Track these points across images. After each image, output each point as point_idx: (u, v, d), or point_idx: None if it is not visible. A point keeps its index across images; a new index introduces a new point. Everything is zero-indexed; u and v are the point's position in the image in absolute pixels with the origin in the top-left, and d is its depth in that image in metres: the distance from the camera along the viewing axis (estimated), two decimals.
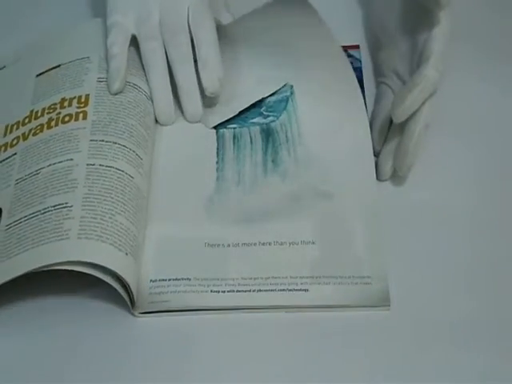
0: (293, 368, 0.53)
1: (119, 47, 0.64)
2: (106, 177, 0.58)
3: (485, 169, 0.63)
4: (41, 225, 0.55)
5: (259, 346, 0.54)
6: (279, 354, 0.54)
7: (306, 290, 0.56)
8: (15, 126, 0.63)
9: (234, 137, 0.64)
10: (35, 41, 0.71)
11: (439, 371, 0.53)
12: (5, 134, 0.63)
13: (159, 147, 0.64)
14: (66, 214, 0.55)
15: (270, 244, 0.58)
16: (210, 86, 0.63)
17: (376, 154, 0.63)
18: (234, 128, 0.64)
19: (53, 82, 0.65)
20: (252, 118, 0.65)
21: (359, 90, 0.66)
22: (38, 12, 0.77)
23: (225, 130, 0.64)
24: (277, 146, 0.63)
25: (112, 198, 0.57)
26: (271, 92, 0.66)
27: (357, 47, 0.71)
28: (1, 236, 0.56)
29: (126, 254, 0.55)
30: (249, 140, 0.63)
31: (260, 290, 0.56)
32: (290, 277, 0.56)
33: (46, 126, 0.62)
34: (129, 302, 0.55)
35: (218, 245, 0.58)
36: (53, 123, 0.62)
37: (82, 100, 0.63)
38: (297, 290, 0.56)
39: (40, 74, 0.66)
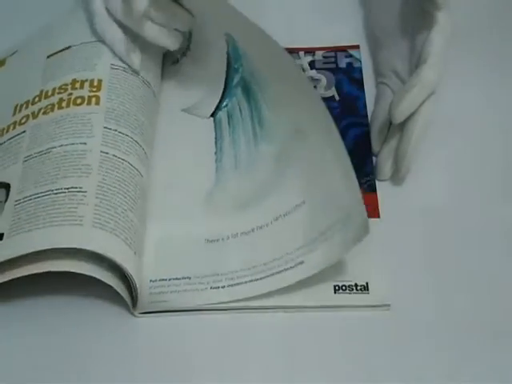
0: (293, 368, 0.53)
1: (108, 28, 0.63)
2: (119, 169, 0.57)
3: (484, 169, 0.63)
4: (53, 205, 0.55)
5: (259, 345, 0.54)
6: (279, 354, 0.54)
7: (301, 263, 0.55)
8: (24, 106, 0.62)
9: (229, 116, 0.64)
10: (47, 23, 0.70)
11: (439, 371, 0.53)
12: (14, 113, 0.62)
13: (158, 144, 0.64)
14: (81, 200, 0.55)
15: (266, 225, 0.58)
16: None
17: (375, 154, 0.63)
18: (227, 105, 0.65)
19: (63, 63, 0.64)
20: (231, 81, 0.65)
21: None
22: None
23: (220, 112, 0.65)
24: (257, 101, 0.63)
25: (124, 192, 0.57)
26: None
27: (357, 47, 0.71)
28: (10, 211, 0.56)
29: (135, 253, 0.55)
30: (238, 111, 0.63)
31: (259, 279, 0.56)
32: (287, 253, 0.56)
33: (56, 106, 0.61)
34: (130, 303, 0.55)
35: (218, 240, 0.59)
36: (64, 104, 0.61)
37: (95, 84, 0.62)
38: (293, 266, 0.55)
39: (51, 56, 0.65)
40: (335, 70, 0.69)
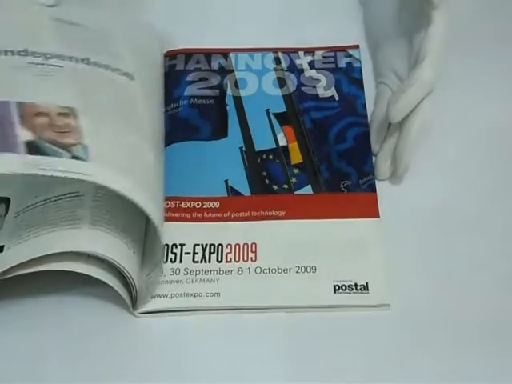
0: (293, 368, 0.53)
1: None
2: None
3: (484, 169, 0.63)
4: (50, 211, 0.55)
5: (259, 345, 0.54)
6: (279, 354, 0.54)
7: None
8: None
9: None
10: None
11: (439, 371, 0.53)
12: None
13: None
14: (78, 203, 0.55)
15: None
16: None
17: (375, 154, 0.63)
18: None
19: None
20: None
21: None
22: None
23: None
24: None
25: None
26: None
27: (357, 47, 0.71)
28: (9, 224, 0.56)
29: (134, 252, 0.55)
30: None
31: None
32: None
33: None
34: (129, 303, 0.55)
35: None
36: None
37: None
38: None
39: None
40: (335, 70, 0.69)
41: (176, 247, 0.59)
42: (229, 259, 0.58)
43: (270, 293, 0.56)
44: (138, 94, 0.60)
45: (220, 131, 0.66)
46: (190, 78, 0.69)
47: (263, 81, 0.69)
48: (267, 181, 0.63)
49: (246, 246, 0.59)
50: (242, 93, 0.68)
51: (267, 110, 0.67)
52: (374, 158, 0.63)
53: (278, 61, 0.70)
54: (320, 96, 0.68)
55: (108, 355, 0.54)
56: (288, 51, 0.71)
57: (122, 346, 0.55)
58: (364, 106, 0.67)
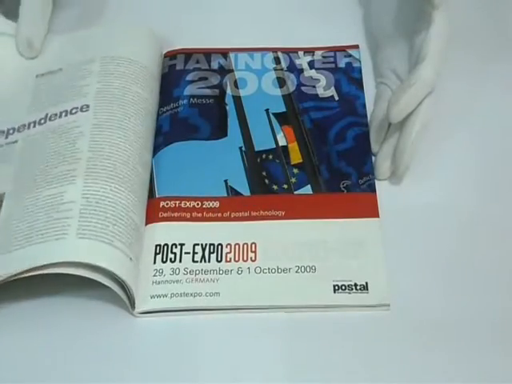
0: (293, 368, 0.53)
1: None
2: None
3: (484, 169, 0.63)
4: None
5: (259, 345, 0.54)
6: (279, 354, 0.54)
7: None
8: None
9: None
10: None
11: (439, 371, 0.53)
12: None
13: None
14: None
15: None
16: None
17: (375, 154, 0.63)
18: None
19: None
20: None
21: None
22: None
23: None
24: None
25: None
26: None
27: (356, 47, 0.71)
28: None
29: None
30: None
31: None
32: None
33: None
34: (128, 303, 0.55)
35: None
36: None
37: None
38: None
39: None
40: (334, 70, 0.69)
41: (176, 247, 0.59)
42: (228, 259, 0.58)
43: (269, 293, 0.56)
44: (87, 127, 0.61)
45: (220, 131, 0.66)
46: (189, 77, 0.69)
47: (263, 81, 0.69)
48: (267, 181, 0.63)
49: (245, 246, 0.59)
50: (242, 92, 0.68)
51: (267, 110, 0.67)
52: (373, 158, 0.63)
53: (277, 61, 0.70)
54: (320, 96, 0.68)
55: (108, 355, 0.54)
56: (288, 51, 0.71)
57: (121, 346, 0.55)
58: (364, 105, 0.67)
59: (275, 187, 0.62)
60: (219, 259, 0.58)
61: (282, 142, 0.65)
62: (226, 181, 0.62)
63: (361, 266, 0.57)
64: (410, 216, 0.60)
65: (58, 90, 0.65)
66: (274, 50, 0.71)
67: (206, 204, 0.61)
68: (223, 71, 0.70)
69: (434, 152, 0.63)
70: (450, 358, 0.53)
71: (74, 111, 0.62)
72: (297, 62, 0.70)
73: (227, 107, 0.67)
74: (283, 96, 0.68)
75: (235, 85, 0.69)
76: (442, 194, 0.62)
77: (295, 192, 0.62)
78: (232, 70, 0.70)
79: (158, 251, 0.59)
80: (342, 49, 0.71)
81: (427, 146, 0.62)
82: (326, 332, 0.55)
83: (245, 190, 0.62)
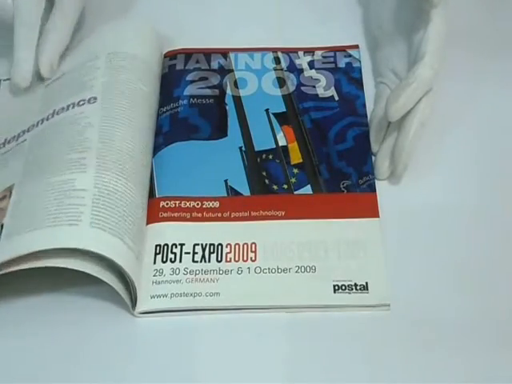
0: (293, 368, 0.53)
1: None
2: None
3: (483, 168, 0.63)
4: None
5: (259, 345, 0.54)
6: (279, 354, 0.54)
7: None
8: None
9: None
10: None
11: (439, 371, 0.53)
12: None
13: None
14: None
15: None
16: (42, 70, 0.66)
17: (375, 154, 0.63)
18: None
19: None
20: None
21: None
22: None
23: None
24: None
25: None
26: None
27: (356, 47, 0.71)
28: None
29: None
30: None
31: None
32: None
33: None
34: (129, 303, 0.55)
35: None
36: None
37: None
38: None
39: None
40: (334, 70, 0.69)
41: (176, 247, 0.59)
42: (228, 259, 0.58)
43: (269, 293, 0.56)
44: (96, 118, 0.61)
45: (220, 131, 0.66)
46: (189, 77, 0.69)
47: (263, 81, 0.69)
48: (267, 181, 0.63)
49: (245, 246, 0.59)
50: (242, 92, 0.68)
51: (267, 110, 0.67)
52: (373, 158, 0.63)
53: (277, 61, 0.70)
54: (320, 96, 0.68)
55: (108, 355, 0.54)
56: (288, 51, 0.71)
57: (121, 346, 0.55)
58: (364, 105, 0.67)
59: (275, 187, 0.62)
60: (219, 259, 0.58)
61: (281, 141, 0.65)
62: (226, 181, 0.62)
63: (361, 266, 0.57)
64: (410, 216, 0.60)
65: (65, 87, 0.65)
66: (274, 50, 0.71)
67: (206, 204, 0.61)
68: (223, 71, 0.70)
69: (433, 151, 0.63)
70: (449, 357, 0.53)
71: (81, 103, 0.62)
72: (297, 61, 0.70)
73: (227, 107, 0.67)
74: (283, 96, 0.68)
75: (235, 85, 0.69)
76: (441, 193, 0.62)
77: (295, 192, 0.62)
78: (232, 70, 0.70)
79: (158, 251, 0.59)
80: (342, 49, 0.71)
81: (426, 144, 0.62)
82: (326, 332, 0.55)
83: (245, 190, 0.62)
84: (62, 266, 0.53)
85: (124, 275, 0.54)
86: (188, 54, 0.71)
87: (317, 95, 0.68)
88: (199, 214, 0.61)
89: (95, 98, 0.62)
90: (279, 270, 0.57)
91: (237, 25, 0.73)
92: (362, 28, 0.72)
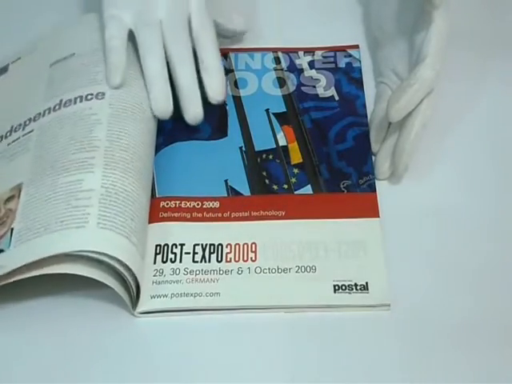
0: (293, 368, 0.53)
1: (119, 40, 0.63)
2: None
3: (484, 168, 0.63)
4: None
5: (259, 345, 0.54)
6: (279, 354, 0.54)
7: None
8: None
9: None
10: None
11: (439, 371, 0.53)
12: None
13: None
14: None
15: None
16: (216, 94, 0.63)
17: (375, 154, 0.63)
18: None
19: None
20: None
21: None
22: (53, 6, 0.76)
23: None
24: None
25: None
26: None
27: (356, 47, 0.71)
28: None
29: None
30: None
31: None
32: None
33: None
34: (129, 303, 0.55)
35: None
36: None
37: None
38: None
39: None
40: (335, 70, 0.69)
41: (176, 247, 0.59)
42: (229, 259, 0.58)
43: (269, 293, 0.56)
44: (104, 115, 0.61)
45: (220, 131, 0.66)
46: None
47: (263, 81, 0.69)
48: (267, 181, 0.63)
49: (245, 246, 0.59)
50: (242, 92, 0.68)
51: (267, 110, 0.67)
52: (373, 158, 0.63)
53: (277, 61, 0.70)
54: (320, 96, 0.68)
55: (108, 355, 0.54)
56: (288, 51, 0.71)
57: (121, 346, 0.55)
58: (364, 105, 0.67)
59: (275, 187, 0.62)
60: (219, 259, 0.58)
61: (282, 141, 0.65)
62: (226, 181, 0.63)
63: (361, 266, 0.57)
64: (410, 216, 0.60)
65: (72, 75, 0.64)
66: (274, 50, 0.71)
67: (206, 204, 0.61)
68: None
69: (433, 151, 0.63)
70: (450, 357, 0.53)
71: (89, 97, 0.62)
72: (297, 61, 0.70)
73: (227, 107, 0.67)
74: (283, 96, 0.68)
75: (235, 85, 0.69)
76: (442, 193, 0.62)
77: (295, 192, 0.62)
78: (232, 70, 0.70)
79: (158, 251, 0.59)
80: (342, 49, 0.71)
81: (427, 145, 0.62)
82: (326, 332, 0.55)
83: (245, 190, 0.62)
84: (63, 272, 0.53)
85: (122, 275, 0.54)
86: None
87: (317, 95, 0.68)
88: (199, 214, 0.61)
89: (103, 94, 0.62)
90: (279, 270, 0.58)
91: None
92: (363, 28, 0.72)
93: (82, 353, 0.54)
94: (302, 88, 0.68)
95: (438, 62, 0.60)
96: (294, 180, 0.63)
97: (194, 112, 0.63)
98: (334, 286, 0.57)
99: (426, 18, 0.61)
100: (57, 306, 0.56)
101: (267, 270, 0.58)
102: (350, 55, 0.71)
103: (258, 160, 0.64)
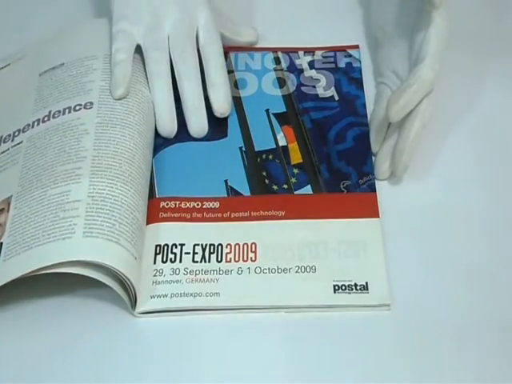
0: (293, 368, 0.53)
1: (125, 53, 0.64)
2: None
3: (483, 168, 0.63)
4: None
5: (259, 345, 0.54)
6: (279, 354, 0.54)
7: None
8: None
9: None
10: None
11: (439, 371, 0.53)
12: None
13: None
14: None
15: None
16: (221, 107, 0.64)
17: (375, 154, 0.63)
18: None
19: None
20: None
21: None
22: (47, 11, 0.76)
23: None
24: None
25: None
26: None
27: (356, 47, 0.71)
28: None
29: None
30: None
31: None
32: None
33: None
34: (129, 303, 0.55)
35: None
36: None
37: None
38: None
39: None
40: (335, 70, 0.69)
41: (176, 247, 0.59)
42: (228, 259, 0.58)
43: (269, 293, 0.56)
44: (92, 125, 0.61)
45: (220, 131, 0.66)
46: None
47: (263, 81, 0.69)
48: (267, 181, 0.63)
49: (245, 246, 0.59)
50: (242, 93, 0.68)
51: (267, 110, 0.67)
52: (373, 158, 0.63)
53: (277, 61, 0.70)
54: (320, 96, 0.68)
55: (108, 355, 0.54)
56: (288, 51, 0.71)
57: (121, 346, 0.55)
58: (364, 105, 0.67)
59: (275, 187, 0.62)
60: (219, 259, 0.58)
61: (282, 142, 0.65)
62: (226, 181, 0.63)
63: (361, 266, 0.57)
64: (410, 216, 0.60)
65: (61, 85, 0.65)
66: (274, 50, 0.71)
67: (206, 204, 0.61)
68: None
69: (433, 151, 0.63)
70: (450, 357, 0.53)
71: (77, 108, 0.62)
72: (297, 62, 0.70)
73: None
74: (283, 96, 0.68)
75: (235, 85, 0.69)
76: (442, 193, 0.62)
77: (295, 192, 0.62)
78: (232, 71, 0.70)
79: (158, 251, 0.59)
80: (342, 49, 0.71)
81: (427, 145, 0.62)
82: (326, 332, 0.55)
83: (245, 190, 0.62)
84: (62, 271, 0.53)
85: (119, 277, 0.54)
86: None
87: (317, 95, 0.68)
88: (199, 215, 0.61)
89: (91, 104, 0.62)
90: (279, 270, 0.58)
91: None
92: (363, 28, 0.72)
93: (82, 353, 0.54)
94: (302, 88, 0.68)
95: (437, 62, 0.60)
96: (293, 180, 0.63)
97: (197, 127, 0.64)
98: (334, 286, 0.57)
99: (425, 19, 0.61)
100: (57, 306, 0.56)
101: (267, 270, 0.58)
102: (350, 55, 0.71)
103: (258, 160, 0.64)
